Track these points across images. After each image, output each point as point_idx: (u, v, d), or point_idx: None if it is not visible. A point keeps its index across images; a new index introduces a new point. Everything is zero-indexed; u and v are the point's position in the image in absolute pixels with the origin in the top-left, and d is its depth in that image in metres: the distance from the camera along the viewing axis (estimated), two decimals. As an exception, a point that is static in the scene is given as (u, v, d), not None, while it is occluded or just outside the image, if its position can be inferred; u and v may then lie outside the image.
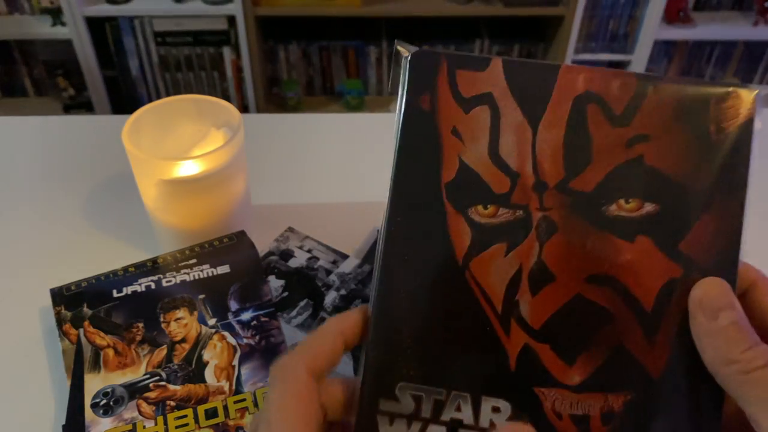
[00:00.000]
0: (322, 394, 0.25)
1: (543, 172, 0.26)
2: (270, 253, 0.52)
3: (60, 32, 1.82)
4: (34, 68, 2.01)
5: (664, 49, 2.02)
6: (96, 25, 1.84)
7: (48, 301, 0.45)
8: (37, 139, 0.67)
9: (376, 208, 0.57)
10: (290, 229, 0.55)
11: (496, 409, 0.25)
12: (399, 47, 0.27)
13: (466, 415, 0.25)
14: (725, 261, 0.25)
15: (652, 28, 1.84)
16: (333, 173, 0.62)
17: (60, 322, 0.44)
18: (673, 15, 1.89)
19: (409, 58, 0.27)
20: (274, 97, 2.06)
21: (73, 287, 0.46)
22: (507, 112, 0.26)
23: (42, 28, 1.84)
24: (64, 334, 0.43)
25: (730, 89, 0.26)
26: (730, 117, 0.25)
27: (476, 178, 0.26)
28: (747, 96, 0.25)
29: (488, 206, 0.26)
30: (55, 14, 1.83)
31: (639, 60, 1.92)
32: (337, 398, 0.26)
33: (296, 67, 2.02)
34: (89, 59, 1.85)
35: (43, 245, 0.54)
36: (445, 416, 0.25)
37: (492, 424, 0.25)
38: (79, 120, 0.71)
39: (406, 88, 0.27)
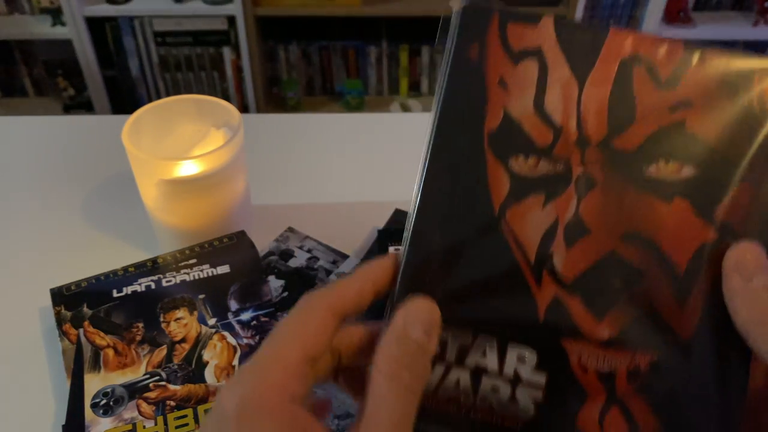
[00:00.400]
0: (341, 335, 0.25)
1: (586, 129, 0.26)
2: (270, 253, 0.52)
3: (60, 32, 1.82)
4: (34, 68, 2.01)
5: (663, 49, 2.03)
6: (96, 25, 1.84)
7: (48, 300, 0.45)
8: (37, 139, 0.67)
9: (376, 208, 0.57)
10: (290, 229, 0.55)
11: (521, 359, 0.25)
12: (452, 4, 0.28)
13: (490, 361, 0.25)
14: (760, 229, 0.25)
15: (652, 28, 1.84)
16: (333, 173, 0.62)
17: (60, 321, 0.44)
18: (673, 15, 1.89)
19: (461, 9, 0.27)
20: (274, 97, 2.06)
21: (73, 287, 0.46)
22: (555, 67, 0.27)
23: (42, 28, 1.84)
24: (64, 333, 0.43)
25: None
26: None
27: (519, 129, 0.26)
28: None
29: (530, 157, 0.26)
30: (55, 14, 1.83)
31: (639, 60, 1.92)
32: (354, 342, 0.26)
33: (296, 67, 2.02)
34: (89, 59, 1.85)
35: (43, 245, 0.54)
36: (470, 361, 0.25)
37: (516, 373, 0.25)
38: (79, 120, 0.71)
39: (456, 37, 0.27)
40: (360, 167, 0.63)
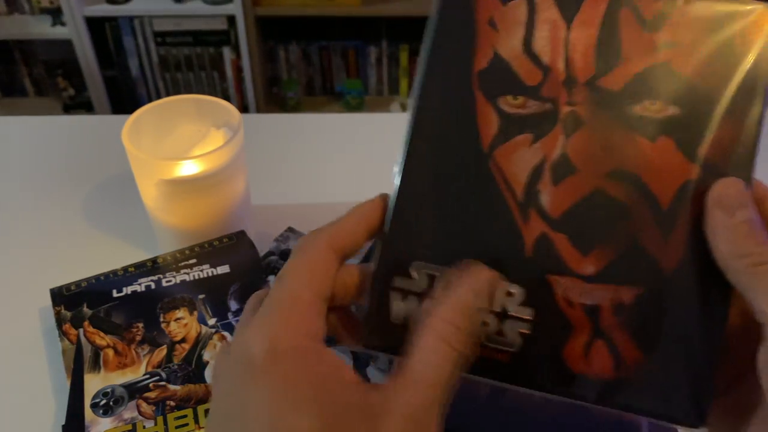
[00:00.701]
0: (337, 274, 0.26)
1: (574, 68, 0.27)
2: (270, 253, 0.52)
3: (60, 32, 1.83)
4: (34, 68, 2.01)
5: (663, 50, 2.02)
6: (96, 25, 1.84)
7: (48, 300, 0.45)
8: (37, 139, 0.67)
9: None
10: (290, 229, 0.55)
11: (509, 294, 0.26)
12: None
13: None
14: (742, 166, 0.26)
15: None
16: (333, 173, 0.62)
17: (60, 322, 0.44)
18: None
19: None
20: (274, 97, 2.06)
21: (72, 287, 0.46)
22: (543, 7, 0.27)
23: (42, 28, 1.84)
24: (63, 334, 0.43)
25: (758, 6, 0.27)
26: (755, 31, 0.26)
27: (508, 68, 0.27)
28: None
29: (518, 97, 0.27)
30: (55, 14, 1.83)
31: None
32: (349, 281, 0.26)
33: (296, 67, 2.02)
34: (89, 59, 1.85)
35: (42, 245, 0.54)
36: None
37: (503, 308, 0.26)
38: (79, 120, 0.71)
39: None
40: (360, 167, 0.63)
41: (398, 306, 0.26)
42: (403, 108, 2.02)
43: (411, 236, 0.26)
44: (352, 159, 0.64)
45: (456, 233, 0.26)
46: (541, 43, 0.27)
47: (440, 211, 0.27)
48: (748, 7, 0.27)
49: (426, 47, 0.28)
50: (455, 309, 0.24)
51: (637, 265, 0.26)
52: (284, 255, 0.52)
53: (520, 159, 0.27)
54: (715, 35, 0.27)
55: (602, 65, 0.27)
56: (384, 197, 0.27)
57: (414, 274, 0.26)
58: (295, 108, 2.01)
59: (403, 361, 0.23)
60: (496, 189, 0.26)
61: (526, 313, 0.26)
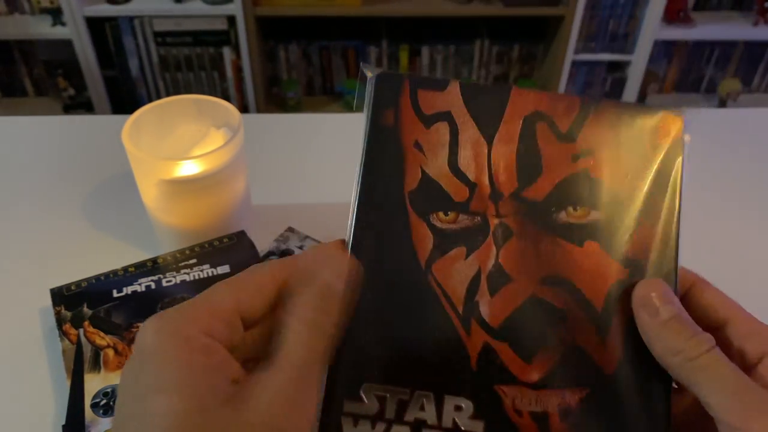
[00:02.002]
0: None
1: (498, 183, 0.28)
2: (270, 253, 0.52)
3: (60, 32, 1.83)
4: (34, 68, 2.01)
5: (664, 49, 2.02)
6: (96, 25, 1.84)
7: (48, 301, 0.45)
8: (37, 139, 0.67)
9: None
10: (290, 229, 0.55)
11: (458, 408, 0.26)
12: (365, 69, 0.30)
13: (429, 414, 0.26)
14: (666, 261, 0.27)
15: (652, 28, 1.84)
16: (333, 173, 0.62)
17: (60, 322, 0.44)
18: (673, 15, 1.89)
19: (374, 78, 0.30)
20: (274, 97, 2.06)
21: (73, 287, 0.46)
22: (465, 128, 0.29)
23: (42, 28, 1.84)
24: (64, 334, 0.43)
25: (660, 112, 0.29)
26: (662, 135, 0.29)
27: (437, 187, 0.28)
28: (676, 118, 0.29)
29: (449, 213, 0.28)
30: (55, 14, 1.83)
31: (639, 60, 1.92)
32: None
33: (296, 67, 2.02)
34: (89, 59, 1.85)
35: (43, 245, 0.54)
36: (409, 416, 0.26)
37: (455, 424, 0.26)
38: (79, 120, 0.71)
39: (371, 104, 0.29)
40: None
41: (349, 430, 0.26)
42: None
43: (358, 359, 0.26)
44: (352, 159, 0.64)
45: (402, 351, 0.26)
46: (466, 161, 0.28)
47: (385, 330, 0.27)
48: (653, 114, 0.29)
49: (359, 169, 0.29)
50: (311, 290, 0.24)
51: (578, 367, 0.26)
52: (284, 255, 0.52)
53: (457, 272, 0.27)
54: (626, 142, 0.29)
55: (525, 178, 0.28)
56: (342, 242, 0.27)
57: (364, 397, 0.26)
58: (295, 108, 2.01)
59: (268, 348, 0.23)
60: (438, 304, 0.27)
61: (477, 427, 0.26)
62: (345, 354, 0.26)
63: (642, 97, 2.07)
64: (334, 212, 0.58)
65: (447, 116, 0.29)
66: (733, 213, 0.58)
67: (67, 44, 1.83)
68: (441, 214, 0.28)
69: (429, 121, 0.29)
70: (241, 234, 0.50)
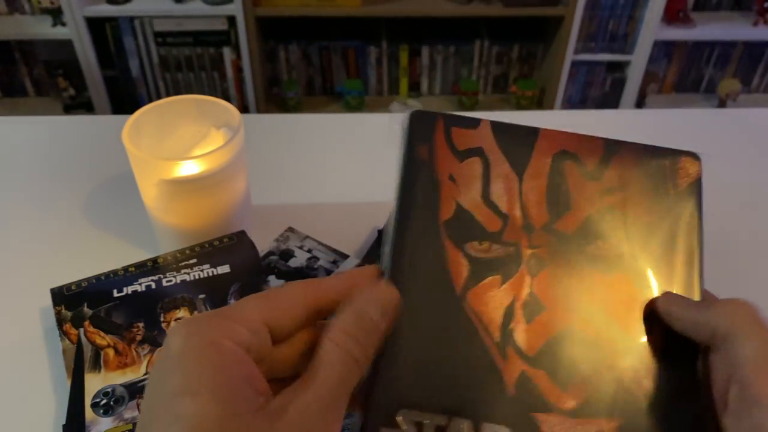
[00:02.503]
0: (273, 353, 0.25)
1: (530, 215, 0.30)
2: (270, 253, 0.52)
3: (60, 32, 1.83)
4: (35, 68, 2.01)
5: (663, 50, 2.02)
6: (96, 26, 1.84)
7: (48, 300, 0.45)
8: (37, 140, 0.67)
9: (376, 208, 0.57)
10: (290, 229, 0.55)
11: None
12: (396, 111, 0.30)
13: None
14: (689, 289, 0.29)
15: (651, 28, 1.84)
16: (333, 173, 0.62)
17: (60, 321, 0.44)
18: (673, 15, 1.89)
19: (409, 115, 0.31)
20: (274, 97, 2.06)
21: (73, 287, 0.46)
22: (496, 163, 0.30)
23: (42, 29, 1.84)
24: (64, 333, 0.43)
25: (681, 158, 0.31)
26: (682, 176, 0.31)
27: (471, 217, 0.29)
28: (694, 161, 0.32)
29: (483, 242, 0.29)
30: (56, 14, 1.83)
31: (638, 60, 1.92)
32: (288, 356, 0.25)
33: (296, 68, 2.02)
34: (89, 59, 1.85)
35: (43, 245, 0.54)
36: None
37: None
38: (80, 120, 0.71)
39: (407, 140, 0.31)
40: (360, 167, 0.63)
41: None
42: (404, 108, 2.02)
43: (396, 385, 0.26)
44: (352, 159, 0.64)
45: (440, 377, 0.27)
46: (498, 193, 0.30)
47: (422, 357, 0.27)
48: (673, 158, 0.31)
49: (396, 201, 0.30)
50: (349, 317, 0.24)
51: (614, 396, 0.27)
52: (284, 255, 0.52)
53: (492, 300, 0.28)
54: (649, 181, 0.31)
55: (555, 211, 0.30)
56: (376, 268, 0.28)
57: (401, 423, 0.26)
58: (296, 108, 2.01)
59: (303, 370, 0.24)
60: (473, 330, 0.27)
61: None
62: (381, 380, 0.26)
63: (641, 97, 2.07)
64: (334, 212, 0.58)
65: (479, 152, 0.31)
66: (732, 213, 0.58)
67: (67, 44, 1.83)
68: (475, 243, 0.29)
69: (462, 156, 0.30)
70: (242, 234, 0.50)
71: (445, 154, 0.30)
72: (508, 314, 0.28)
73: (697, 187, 0.31)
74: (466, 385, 0.27)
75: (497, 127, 0.31)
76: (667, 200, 0.30)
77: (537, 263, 0.29)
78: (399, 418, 0.26)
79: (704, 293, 0.29)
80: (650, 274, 0.29)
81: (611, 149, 0.31)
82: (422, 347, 0.27)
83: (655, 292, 0.29)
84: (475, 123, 0.31)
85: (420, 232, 0.29)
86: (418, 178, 0.30)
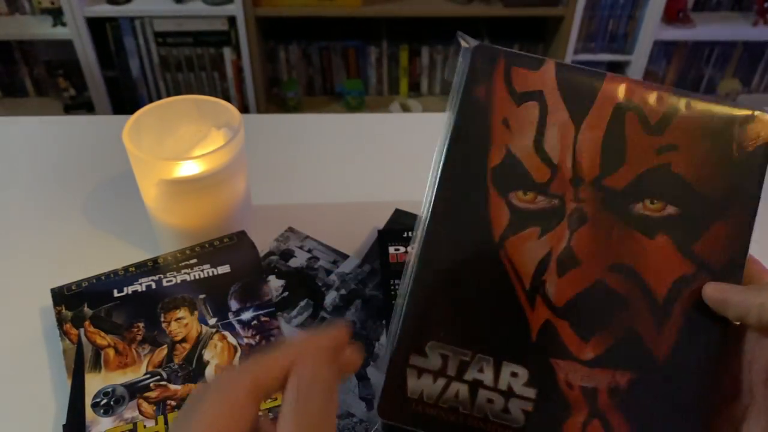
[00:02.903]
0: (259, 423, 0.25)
1: (580, 168, 0.29)
2: (270, 253, 0.52)
3: (61, 32, 1.83)
4: (35, 68, 2.01)
5: (663, 50, 2.02)
6: (97, 26, 1.84)
7: (49, 300, 0.45)
8: (37, 140, 0.67)
9: (376, 208, 0.57)
10: (290, 229, 0.55)
11: (514, 374, 0.28)
12: (461, 39, 0.31)
13: (487, 377, 0.28)
14: (733, 265, 0.28)
15: (651, 28, 1.84)
16: (333, 173, 0.62)
17: (61, 321, 0.44)
18: (673, 15, 1.89)
19: (471, 50, 0.30)
20: (275, 97, 2.07)
21: (73, 287, 0.46)
22: (554, 109, 0.29)
23: (43, 29, 1.84)
24: (64, 333, 0.43)
25: (755, 113, 0.29)
26: (751, 138, 0.29)
27: (520, 166, 0.29)
28: (766, 124, 0.29)
29: (528, 193, 0.29)
30: (56, 15, 1.83)
31: (638, 60, 1.92)
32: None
33: (296, 68, 2.02)
34: (90, 60, 1.85)
35: (43, 245, 0.54)
36: (468, 376, 0.28)
37: (509, 388, 0.28)
38: (80, 120, 0.72)
39: (465, 77, 0.30)
40: (360, 167, 0.63)
41: (414, 383, 0.28)
42: (404, 108, 2.02)
43: (426, 316, 0.28)
44: (352, 159, 0.64)
45: (468, 316, 0.29)
46: (551, 143, 0.29)
47: (454, 296, 0.29)
48: (745, 113, 0.29)
49: (445, 140, 0.30)
50: (292, 389, 0.24)
51: (632, 352, 0.28)
52: (284, 255, 0.52)
53: (529, 250, 0.29)
54: (714, 140, 0.29)
55: (607, 165, 0.29)
56: (343, 331, 0.27)
57: (429, 353, 0.28)
58: (296, 108, 2.01)
59: None
60: (506, 277, 0.29)
61: (530, 393, 0.28)
62: (413, 312, 0.28)
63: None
64: (334, 212, 0.58)
65: (538, 96, 0.29)
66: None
67: (67, 44, 1.83)
68: (520, 193, 0.29)
69: (520, 99, 0.29)
70: (242, 234, 0.50)
71: (503, 96, 0.30)
72: (542, 265, 0.29)
73: (764, 151, 0.29)
74: (492, 326, 0.29)
75: (561, 69, 0.30)
76: (729, 164, 0.29)
77: (579, 218, 0.29)
78: (427, 348, 0.28)
79: (755, 265, 0.29)
80: (695, 240, 0.28)
81: (679, 100, 0.29)
82: (455, 285, 0.29)
83: (695, 260, 0.28)
84: (538, 63, 0.30)
85: (466, 176, 0.29)
86: (471, 119, 0.30)
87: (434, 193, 0.29)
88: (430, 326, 0.28)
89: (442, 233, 0.29)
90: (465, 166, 0.29)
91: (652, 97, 0.29)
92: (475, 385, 0.28)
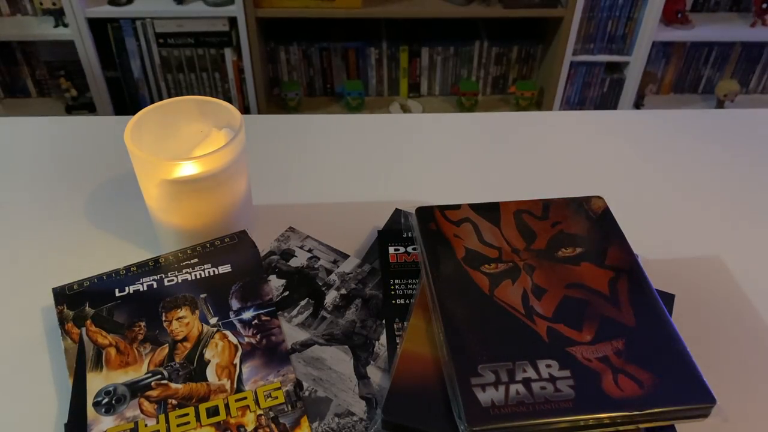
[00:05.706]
0: None
1: (513, 245, 0.47)
2: (271, 253, 0.53)
3: (62, 33, 1.83)
4: (37, 69, 2.01)
5: (662, 50, 2.03)
6: (98, 27, 1.85)
7: (50, 300, 0.46)
8: (39, 140, 0.67)
9: (377, 208, 0.58)
10: (291, 229, 0.55)
11: (549, 366, 0.39)
12: (407, 214, 0.54)
13: (531, 373, 0.39)
14: (632, 262, 0.46)
15: (650, 29, 1.85)
16: (333, 173, 0.62)
17: (62, 321, 0.44)
18: (671, 16, 1.89)
19: (416, 211, 0.50)
20: (275, 98, 2.07)
21: (75, 286, 0.47)
22: (480, 223, 0.49)
23: (44, 29, 1.85)
24: (66, 333, 0.43)
25: (591, 198, 0.51)
26: (596, 208, 0.50)
27: (478, 252, 0.47)
28: (600, 199, 0.51)
29: (491, 264, 0.45)
30: (58, 15, 1.83)
31: (637, 61, 1.92)
32: None
33: (297, 68, 2.02)
34: (91, 60, 1.86)
35: (45, 245, 0.54)
36: (518, 377, 0.38)
37: (551, 375, 0.38)
38: (81, 121, 0.72)
39: (419, 223, 0.49)
40: (360, 167, 0.63)
41: (483, 396, 0.37)
42: (404, 109, 2.02)
43: (468, 351, 0.40)
44: (352, 159, 0.64)
45: (496, 341, 0.40)
46: (489, 238, 0.48)
47: (479, 331, 0.41)
48: (587, 196, 0.51)
49: (425, 260, 0.46)
50: None
51: (612, 327, 0.41)
52: (285, 255, 0.53)
53: (511, 293, 0.43)
54: (577, 212, 0.50)
55: (528, 240, 0.47)
56: None
57: (482, 372, 0.38)
58: (296, 109, 2.01)
59: None
60: (507, 312, 0.42)
61: (566, 374, 0.39)
62: (456, 348, 0.40)
63: (640, 98, 2.07)
64: (334, 212, 0.59)
65: (468, 219, 0.49)
66: (732, 213, 0.59)
67: (69, 45, 1.84)
68: (486, 265, 0.45)
69: (457, 223, 0.49)
70: (243, 234, 0.51)
71: (447, 225, 0.49)
72: (525, 299, 0.43)
73: (607, 212, 0.50)
74: (515, 341, 0.40)
75: (472, 206, 0.50)
76: (592, 221, 0.49)
77: (530, 267, 0.45)
78: (479, 370, 0.39)
79: None
80: (604, 260, 0.46)
81: (547, 203, 0.50)
82: (478, 327, 0.41)
83: (610, 268, 0.46)
84: (458, 206, 0.50)
85: (448, 268, 0.45)
86: (434, 241, 0.47)
87: (433, 286, 0.44)
88: (474, 356, 0.39)
89: (449, 306, 0.42)
90: (445, 263, 0.45)
91: (531, 204, 0.50)
92: (527, 382, 0.38)
